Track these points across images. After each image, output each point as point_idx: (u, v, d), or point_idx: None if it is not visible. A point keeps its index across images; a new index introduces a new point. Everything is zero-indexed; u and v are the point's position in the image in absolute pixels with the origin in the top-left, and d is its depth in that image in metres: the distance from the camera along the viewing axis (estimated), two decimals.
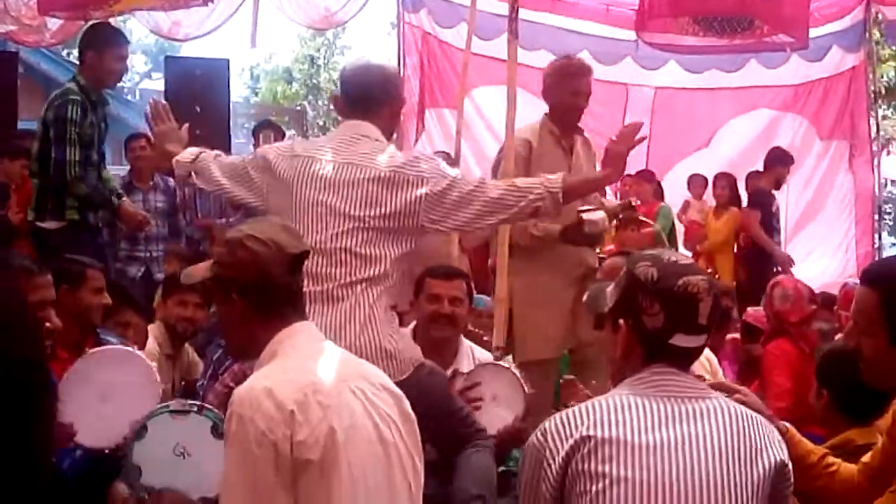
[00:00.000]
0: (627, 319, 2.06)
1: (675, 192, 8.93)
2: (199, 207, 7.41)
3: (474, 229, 3.32)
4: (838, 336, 4.36)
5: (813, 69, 9.37)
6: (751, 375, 4.88)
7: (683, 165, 9.57)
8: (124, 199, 5.33)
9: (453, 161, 5.75)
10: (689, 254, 7.53)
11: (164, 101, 3.66)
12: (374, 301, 3.00)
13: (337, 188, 3.04)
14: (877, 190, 9.55)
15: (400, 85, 3.41)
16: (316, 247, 2.91)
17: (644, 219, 6.07)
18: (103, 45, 5.11)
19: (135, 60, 22.56)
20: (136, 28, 16.93)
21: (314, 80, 24.20)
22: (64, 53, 14.36)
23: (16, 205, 6.44)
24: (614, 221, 5.00)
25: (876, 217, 9.48)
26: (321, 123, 21.45)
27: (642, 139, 3.40)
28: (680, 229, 8.58)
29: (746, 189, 8.46)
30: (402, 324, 3.50)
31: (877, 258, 8.46)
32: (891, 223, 17.90)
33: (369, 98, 3.20)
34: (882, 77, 13.75)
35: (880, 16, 9.36)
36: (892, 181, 16.76)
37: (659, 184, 8.60)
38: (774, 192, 8.22)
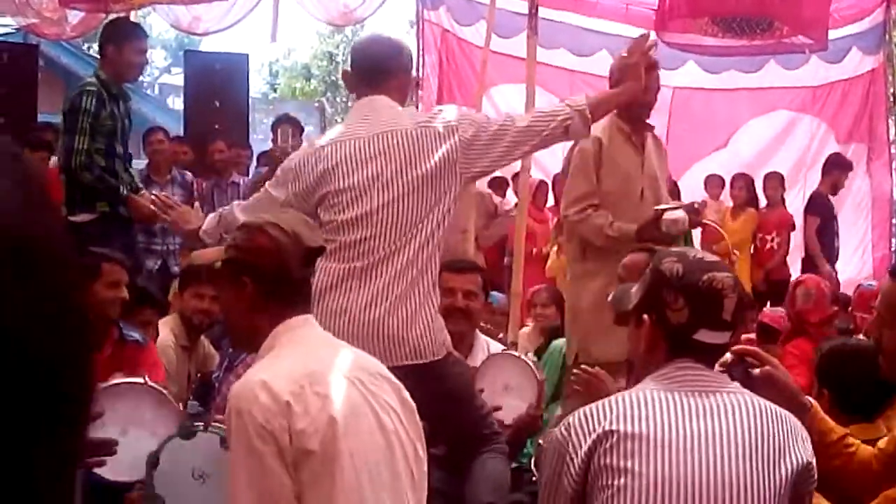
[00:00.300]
0: (651, 315, 2.06)
1: (693, 193, 8.89)
2: (216, 201, 7.43)
3: (510, 161, 3.33)
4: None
5: (832, 71, 9.32)
6: None
7: (701, 166, 9.52)
8: (143, 192, 5.33)
9: None
10: None
11: (163, 194, 3.67)
12: (419, 273, 3.00)
13: (374, 160, 3.03)
14: (894, 194, 9.46)
15: (409, 57, 3.36)
16: (360, 221, 2.95)
17: (709, 222, 5.89)
18: (122, 39, 5.12)
19: (154, 55, 22.65)
20: (157, 23, 17.08)
21: (333, 77, 24.20)
22: (84, 47, 14.43)
23: None
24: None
25: (893, 221, 9.41)
26: (339, 120, 21.45)
27: (652, 45, 3.42)
28: (697, 229, 8.53)
29: (763, 190, 8.43)
30: None
31: (893, 261, 8.42)
32: None
33: (378, 68, 3.18)
34: None
35: None
36: None
37: (676, 184, 8.55)
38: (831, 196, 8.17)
